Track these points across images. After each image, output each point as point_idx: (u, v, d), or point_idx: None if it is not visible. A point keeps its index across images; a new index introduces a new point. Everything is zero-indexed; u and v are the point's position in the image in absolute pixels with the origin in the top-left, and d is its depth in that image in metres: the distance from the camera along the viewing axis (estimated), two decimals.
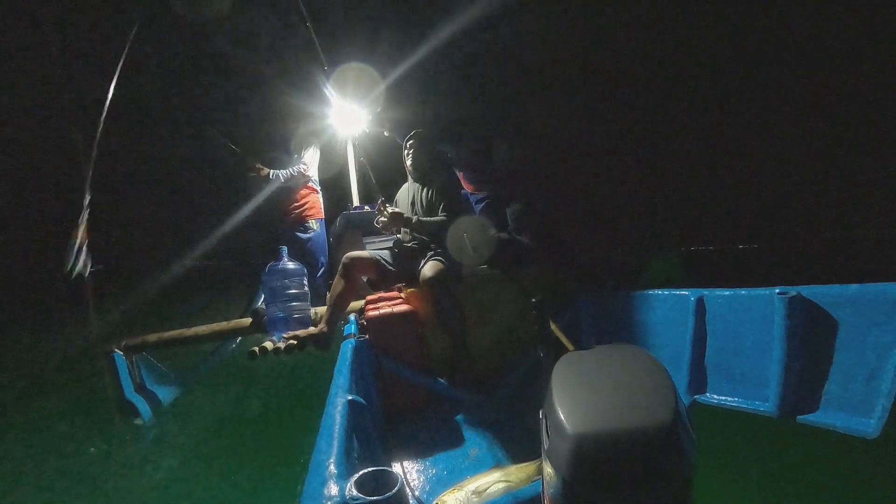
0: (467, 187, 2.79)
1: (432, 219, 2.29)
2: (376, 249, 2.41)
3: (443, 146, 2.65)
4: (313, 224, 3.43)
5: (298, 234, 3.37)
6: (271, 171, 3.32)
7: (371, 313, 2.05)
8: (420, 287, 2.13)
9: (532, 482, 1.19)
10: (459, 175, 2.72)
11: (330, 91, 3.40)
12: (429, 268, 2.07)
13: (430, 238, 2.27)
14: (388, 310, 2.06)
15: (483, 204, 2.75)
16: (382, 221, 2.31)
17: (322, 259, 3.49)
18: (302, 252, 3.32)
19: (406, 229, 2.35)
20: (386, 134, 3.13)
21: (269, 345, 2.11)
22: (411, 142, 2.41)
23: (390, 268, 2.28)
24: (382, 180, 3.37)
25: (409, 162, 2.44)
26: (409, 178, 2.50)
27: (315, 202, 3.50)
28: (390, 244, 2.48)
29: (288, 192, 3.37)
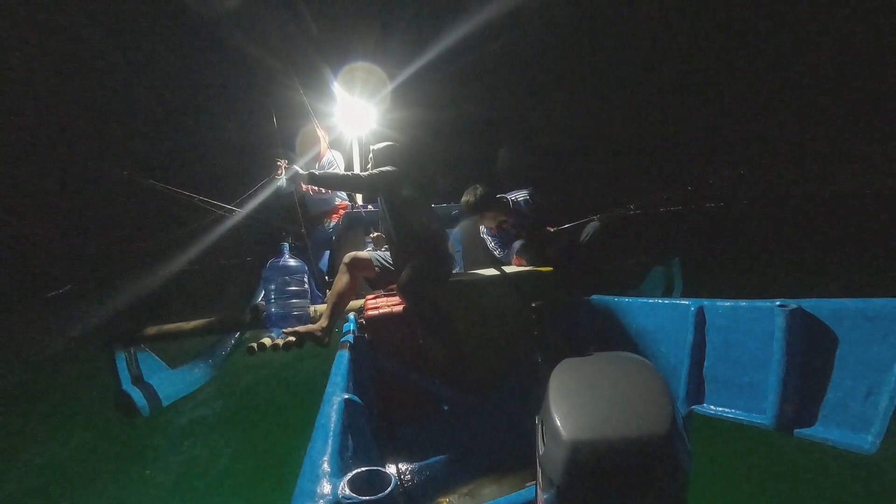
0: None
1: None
2: (377, 251, 2.41)
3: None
4: (330, 223, 3.81)
5: (317, 227, 3.72)
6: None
7: (370, 313, 2.04)
8: None
9: (525, 488, 1.19)
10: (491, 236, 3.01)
11: (337, 89, 3.40)
12: (403, 275, 2.05)
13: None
14: (388, 310, 2.06)
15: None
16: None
17: (327, 254, 3.76)
18: (316, 242, 3.63)
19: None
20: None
21: (267, 341, 2.11)
22: (371, 163, 2.43)
23: (391, 268, 2.28)
24: None
25: (368, 164, 2.60)
26: None
27: (341, 212, 3.91)
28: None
29: (326, 205, 3.74)
